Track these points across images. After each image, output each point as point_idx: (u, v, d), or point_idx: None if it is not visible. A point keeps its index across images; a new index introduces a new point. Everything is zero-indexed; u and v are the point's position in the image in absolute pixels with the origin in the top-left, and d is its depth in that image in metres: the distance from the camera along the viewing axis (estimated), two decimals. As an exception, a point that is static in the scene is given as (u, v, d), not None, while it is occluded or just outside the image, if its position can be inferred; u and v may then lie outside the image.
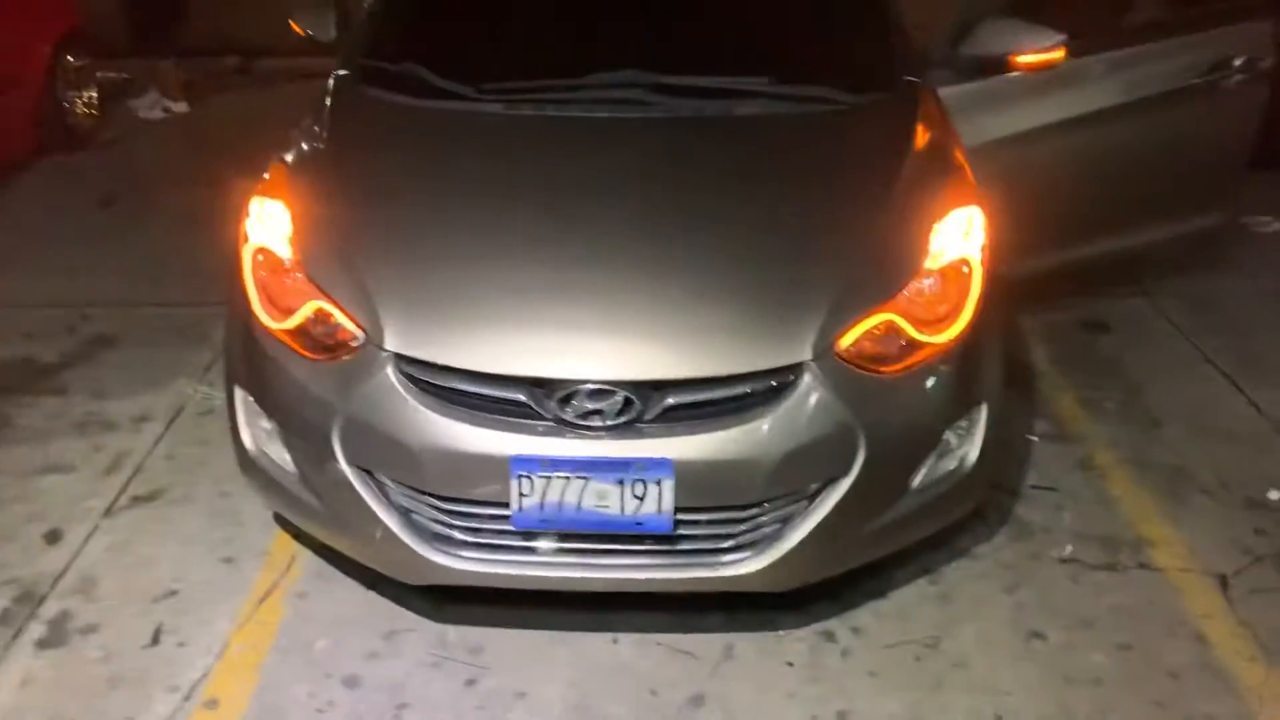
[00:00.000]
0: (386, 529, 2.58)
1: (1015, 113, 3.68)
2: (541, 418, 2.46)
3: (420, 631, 2.84)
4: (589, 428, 2.45)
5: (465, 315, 2.53)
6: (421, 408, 2.48)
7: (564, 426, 2.45)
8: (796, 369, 2.48)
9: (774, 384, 2.48)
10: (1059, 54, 3.31)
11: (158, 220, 5.29)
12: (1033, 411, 3.77)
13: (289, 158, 3.06)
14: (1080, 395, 3.88)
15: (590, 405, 2.44)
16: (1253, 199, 4.99)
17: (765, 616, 2.87)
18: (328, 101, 3.25)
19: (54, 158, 5.96)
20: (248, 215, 2.85)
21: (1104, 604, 2.93)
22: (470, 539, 2.58)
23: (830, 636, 2.83)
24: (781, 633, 2.84)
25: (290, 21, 3.64)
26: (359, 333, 2.56)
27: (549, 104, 3.13)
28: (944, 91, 3.40)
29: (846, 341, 2.53)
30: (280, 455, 2.76)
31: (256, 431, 2.82)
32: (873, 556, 2.80)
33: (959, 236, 2.72)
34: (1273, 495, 3.34)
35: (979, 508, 3.08)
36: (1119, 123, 3.79)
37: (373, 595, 2.95)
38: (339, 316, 2.59)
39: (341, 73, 3.33)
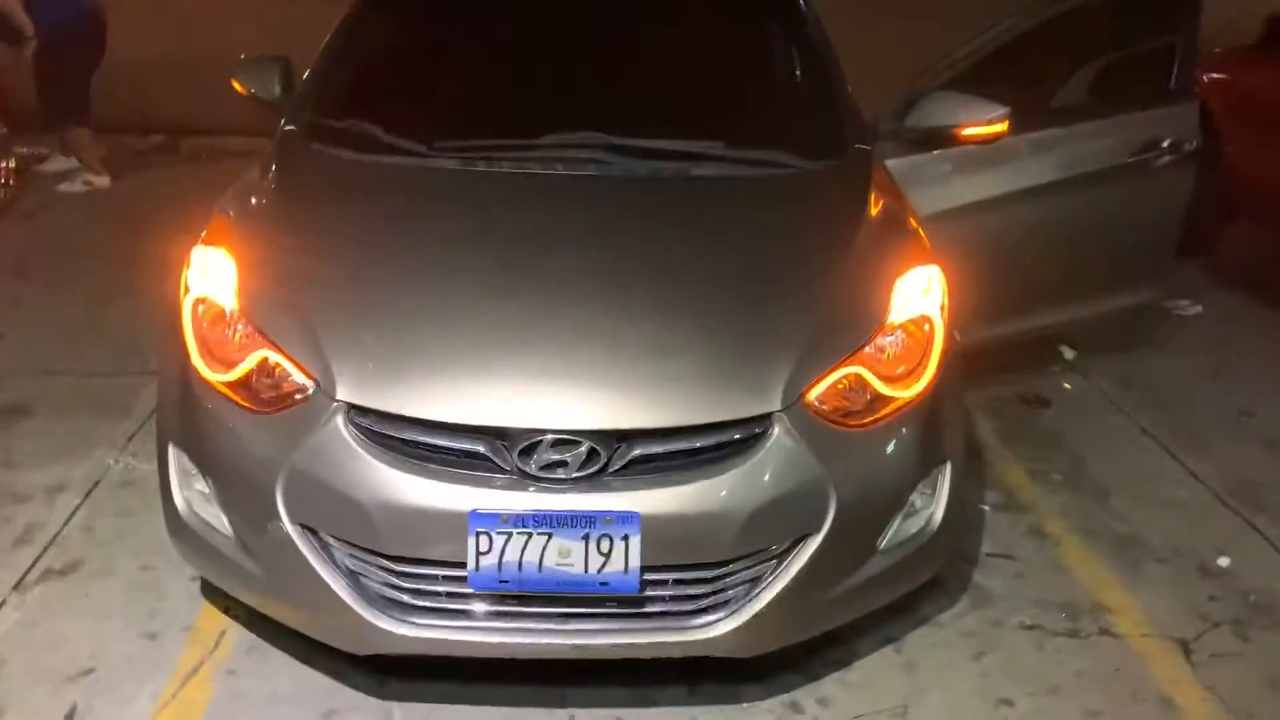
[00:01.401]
0: (331, 593, 2.41)
1: (951, 187, 3.76)
2: (502, 470, 2.35)
3: (362, 711, 2.65)
4: (552, 480, 2.34)
5: (421, 363, 2.43)
6: (374, 461, 2.35)
7: (525, 479, 2.34)
8: (766, 420, 2.42)
9: (744, 435, 2.41)
10: (1003, 126, 3.38)
11: (76, 291, 5.07)
12: (983, 482, 3.76)
13: (232, 209, 2.95)
14: (1027, 467, 3.89)
15: (553, 456, 2.34)
16: (1173, 283, 5.15)
17: (728, 688, 2.75)
18: (273, 155, 3.16)
19: (-35, 229, 5.73)
20: (188, 265, 2.73)
21: (1069, 670, 2.88)
22: (422, 604, 2.43)
23: (796, 708, 2.71)
24: (745, 705, 2.71)
25: (232, 80, 3.54)
26: (308, 383, 2.43)
27: (503, 161, 3.08)
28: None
29: (815, 393, 2.48)
30: (215, 517, 2.59)
31: (190, 493, 2.65)
32: (841, 621, 2.71)
33: (919, 293, 2.72)
34: (1222, 562, 3.35)
35: (938, 575, 3.02)
36: (1053, 199, 3.90)
37: (309, 671, 2.76)
38: (286, 366, 2.46)
39: (288, 128, 3.25)
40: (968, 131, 3.42)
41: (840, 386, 2.53)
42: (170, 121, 7.65)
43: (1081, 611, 3.11)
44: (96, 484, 3.54)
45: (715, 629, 2.44)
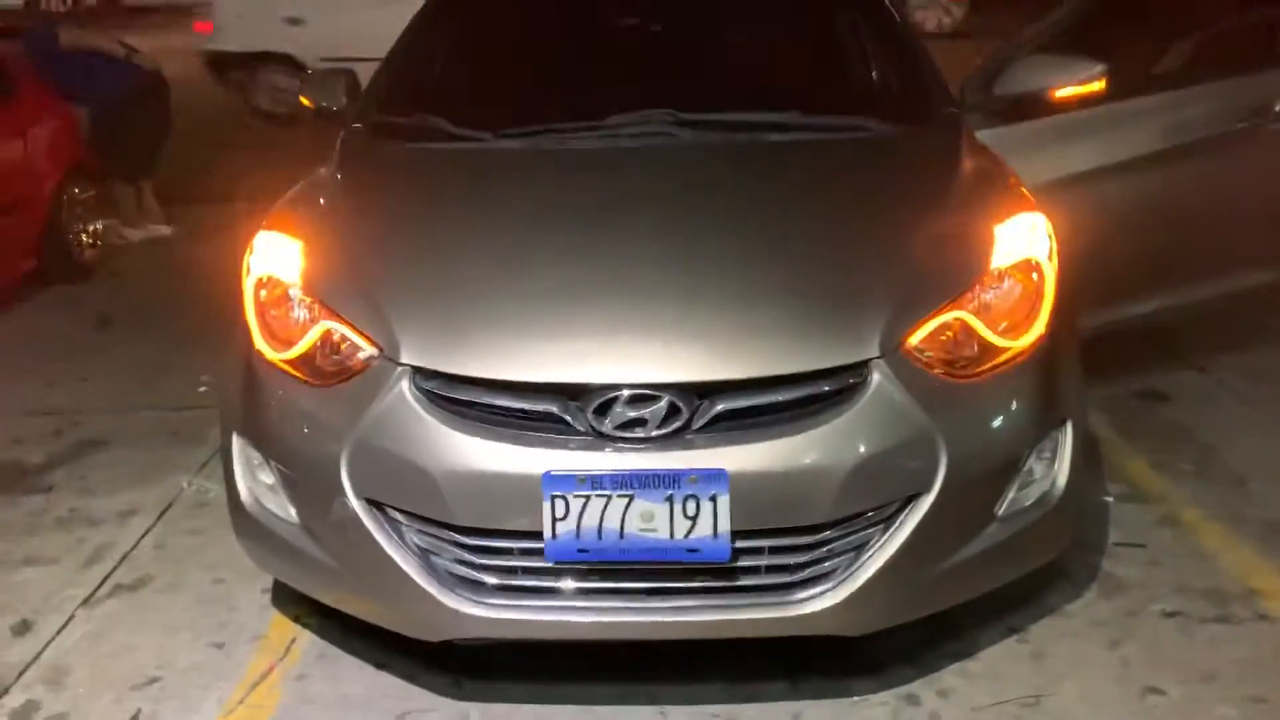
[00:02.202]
0: (400, 574, 2.24)
1: (1044, 160, 3.51)
2: (576, 431, 2.17)
3: (439, 712, 2.46)
4: (631, 439, 2.15)
5: (486, 322, 2.28)
6: (440, 426, 2.19)
7: (602, 440, 2.16)
8: (863, 368, 2.21)
9: (840, 385, 2.20)
10: (1100, 84, 3.16)
11: (154, 338, 5.08)
12: (1103, 474, 3.45)
13: (295, 198, 2.87)
14: (1151, 459, 3.57)
15: (631, 413, 2.15)
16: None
17: (835, 682, 2.50)
18: (336, 152, 3.08)
19: (55, 288, 5.82)
20: (250, 251, 2.63)
21: (1224, 657, 2.56)
22: (497, 581, 2.24)
23: (913, 700, 2.44)
24: (856, 699, 2.45)
25: (300, 97, 3.51)
26: (372, 349, 2.29)
27: (570, 140, 2.96)
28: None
29: (916, 340, 2.26)
30: (281, 506, 2.45)
31: (254, 484, 2.52)
32: (957, 599, 2.44)
33: (1024, 239, 2.50)
34: (1384, 543, 2.99)
35: (1061, 560, 2.74)
36: (1158, 171, 3.63)
37: (382, 675, 2.58)
38: (349, 335, 2.33)
39: (354, 126, 3.18)
40: (1062, 93, 3.20)
41: (945, 334, 2.31)
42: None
43: (1232, 597, 2.79)
44: (169, 506, 3.45)
45: (818, 603, 2.20)
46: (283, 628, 2.79)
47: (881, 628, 2.31)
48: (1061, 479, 2.47)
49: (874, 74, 3.38)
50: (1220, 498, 3.30)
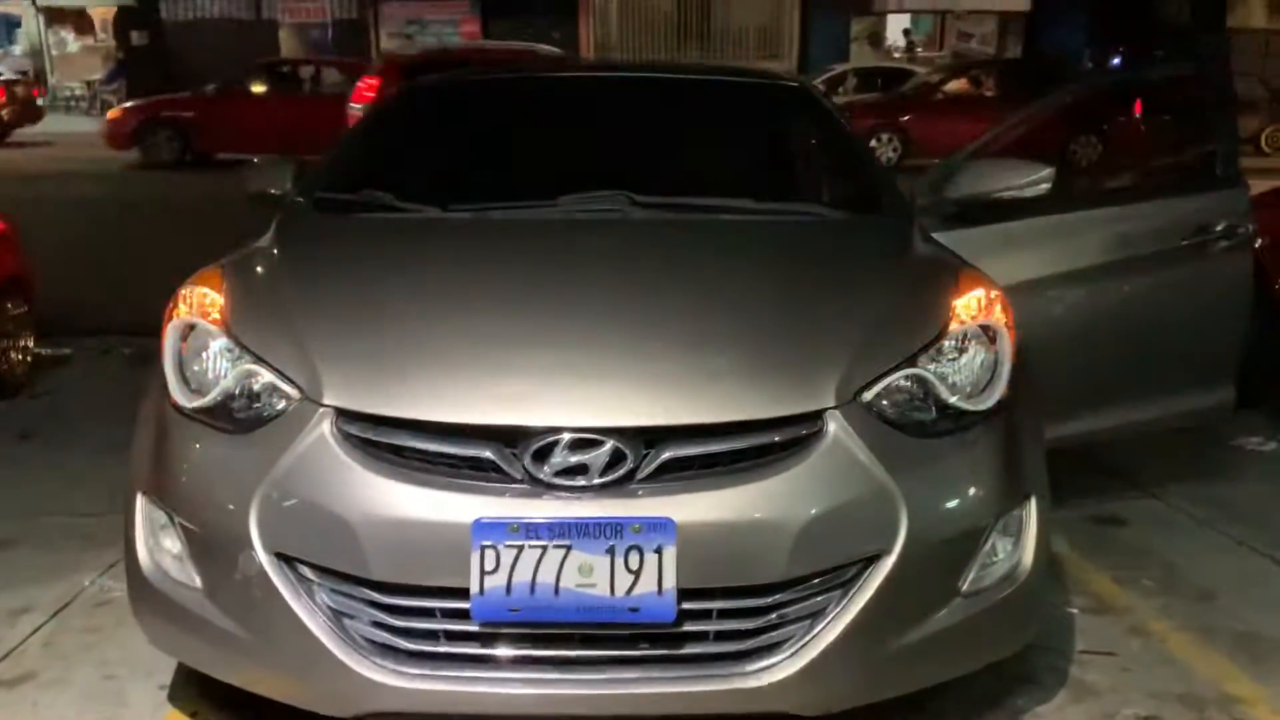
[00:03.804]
0: (310, 639, 2.02)
1: (995, 264, 3.50)
2: (511, 479, 2.01)
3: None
4: (571, 487, 1.99)
5: (416, 363, 2.14)
6: (362, 470, 2.03)
7: (539, 487, 2.00)
8: (818, 418, 2.09)
9: (794, 434, 2.07)
10: (1048, 186, 3.18)
11: (78, 451, 4.81)
12: (1066, 588, 3.30)
13: (225, 261, 2.74)
14: (1113, 575, 3.43)
15: (572, 459, 2.00)
16: (1240, 423, 4.81)
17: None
18: (275, 221, 2.98)
19: (-24, 404, 5.55)
20: (174, 302, 2.49)
21: (1205, 760, 2.37)
22: (417, 648, 2.02)
23: (875, 799, 2.21)
24: (811, 798, 2.21)
25: (242, 184, 3.42)
26: (292, 391, 2.14)
27: (520, 214, 2.90)
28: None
29: (873, 393, 2.16)
30: (183, 573, 2.23)
31: (156, 549, 2.31)
32: (920, 683, 2.26)
33: (980, 308, 2.43)
34: (1360, 654, 2.85)
35: (1026, 666, 2.59)
36: (1101, 283, 3.63)
37: (289, 777, 2.30)
38: (270, 378, 2.18)
39: (295, 200, 3.09)
40: (1011, 194, 3.22)
41: (902, 392, 2.21)
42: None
43: (1207, 702, 2.63)
44: (67, 605, 3.17)
45: (771, 675, 2.01)
46: (178, 725, 2.51)
47: (839, 708, 2.11)
48: (1027, 558, 2.33)
49: (824, 171, 3.40)
50: (1188, 610, 3.16)
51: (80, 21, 26.67)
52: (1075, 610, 3.15)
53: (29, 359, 5.90)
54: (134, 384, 2.55)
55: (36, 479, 4.38)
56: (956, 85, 16.83)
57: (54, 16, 26.23)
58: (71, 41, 26.53)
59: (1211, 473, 4.44)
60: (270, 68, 16.84)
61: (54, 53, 26.06)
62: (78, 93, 24.86)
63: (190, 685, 2.63)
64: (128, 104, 16.60)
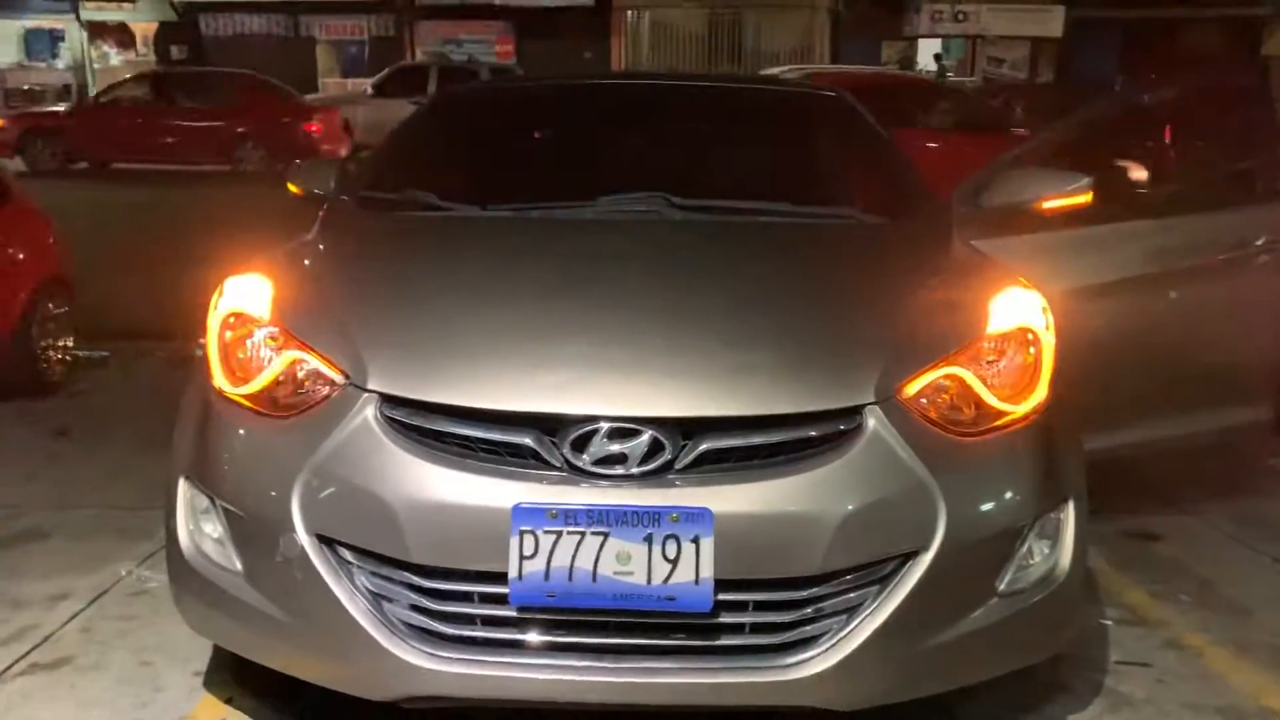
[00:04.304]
0: (349, 621, 2.04)
1: (1032, 274, 3.50)
2: (550, 466, 2.02)
3: (380, 799, 2.19)
4: (609, 476, 2.00)
5: (460, 351, 2.16)
6: (405, 454, 2.05)
7: (578, 475, 2.01)
8: (858, 413, 2.09)
9: (833, 429, 2.07)
10: (1087, 196, 3.17)
11: (113, 448, 4.87)
12: (1100, 600, 3.27)
13: (270, 254, 2.78)
14: (1149, 589, 3.40)
15: (611, 448, 2.01)
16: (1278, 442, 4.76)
17: (821, 780, 2.24)
18: (319, 218, 3.03)
19: (16, 402, 5.62)
20: (220, 293, 2.52)
21: (1244, 770, 2.34)
22: (455, 632, 2.03)
23: (907, 800, 2.20)
24: (843, 797, 2.20)
25: (288, 184, 3.48)
26: (337, 376, 2.16)
27: (559, 213, 2.92)
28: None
29: (914, 389, 2.16)
30: (224, 556, 2.25)
31: (198, 533, 2.33)
32: (955, 682, 2.25)
33: (1020, 310, 2.42)
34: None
35: (1065, 678, 2.56)
36: (1140, 295, 3.61)
37: (319, 757, 2.32)
38: (315, 364, 2.20)
39: (339, 199, 3.13)
40: (1049, 204, 3.21)
41: (942, 390, 2.21)
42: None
43: (1247, 714, 2.61)
44: (104, 593, 3.20)
45: (806, 669, 2.01)
46: (212, 709, 2.54)
47: (874, 704, 2.10)
48: (1065, 561, 2.32)
49: (862, 179, 3.41)
50: (1224, 625, 3.13)
51: (122, 36, 27.12)
52: (1110, 622, 3.12)
53: (68, 358, 5.98)
54: (169, 386, 2.59)
55: (72, 473, 4.44)
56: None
57: (97, 31, 26.69)
58: (114, 56, 26.96)
59: (1247, 491, 4.39)
60: (147, 79, 17.56)
61: (96, 66, 26.48)
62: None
63: (225, 671, 2.66)
64: (10, 114, 17.50)
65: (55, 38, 26.73)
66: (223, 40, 25.14)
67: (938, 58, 25.44)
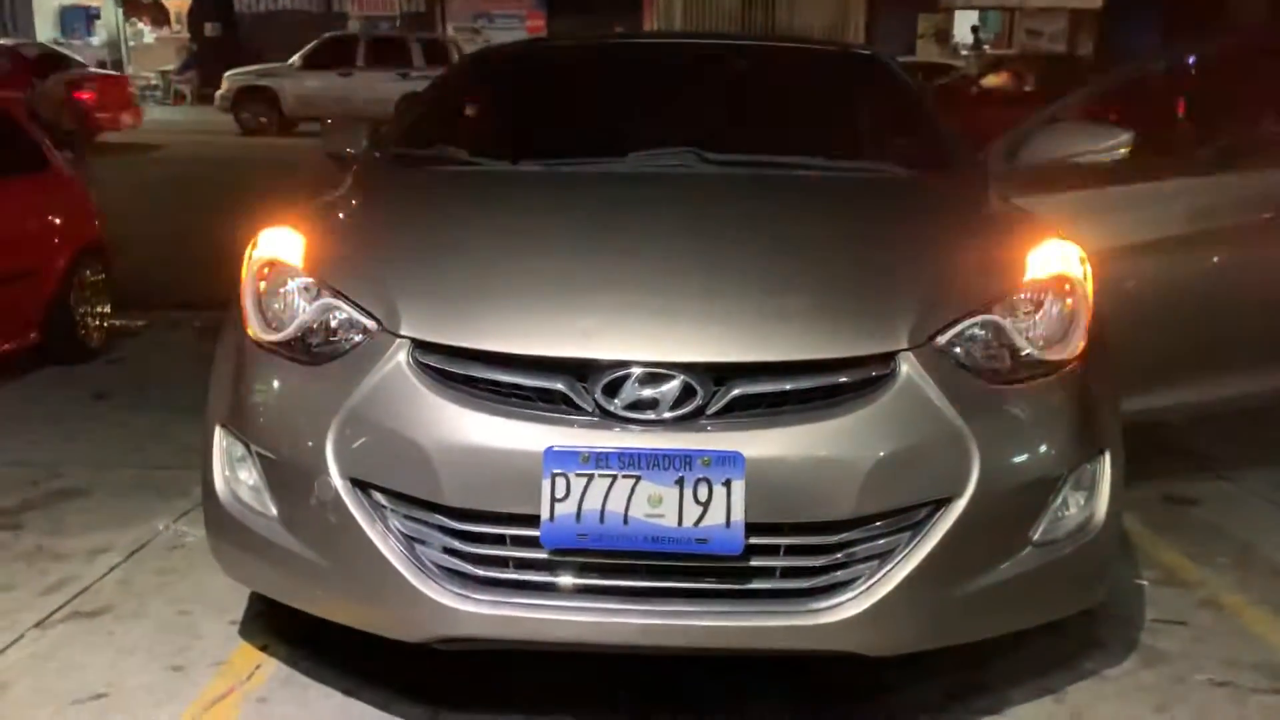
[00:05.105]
0: (383, 564, 2.05)
1: (1070, 232, 3.46)
2: (582, 411, 2.02)
3: (409, 740, 2.22)
4: (641, 420, 2.00)
5: (492, 296, 2.17)
6: (438, 399, 2.05)
7: (610, 420, 2.01)
8: (891, 359, 2.08)
9: (865, 375, 2.06)
10: (1126, 150, 3.12)
11: (150, 412, 4.93)
12: (1136, 561, 3.24)
13: (303, 208, 2.79)
14: (1186, 550, 3.36)
15: (642, 393, 2.01)
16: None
17: (852, 729, 2.25)
18: (351, 174, 3.04)
19: (56, 367, 5.70)
20: (254, 244, 2.54)
21: (1282, 724, 2.32)
22: (488, 574, 2.04)
23: (940, 751, 2.19)
24: (875, 747, 2.21)
25: (323, 149, 3.49)
26: (370, 323, 2.17)
27: (591, 166, 2.92)
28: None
29: (947, 337, 2.14)
30: (259, 501, 2.28)
31: (233, 480, 2.35)
32: (987, 631, 2.24)
33: (1057, 260, 2.39)
34: None
35: (1100, 634, 2.54)
36: (1178, 256, 3.54)
37: (352, 702, 2.37)
38: (349, 311, 2.21)
39: (371, 155, 3.14)
40: (1088, 159, 3.16)
41: (977, 338, 2.18)
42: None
43: (1285, 671, 2.56)
44: (142, 547, 3.25)
45: (837, 614, 2.00)
46: (248, 655, 2.57)
47: (905, 651, 2.09)
48: (1100, 512, 2.29)
49: (897, 135, 3.37)
50: (1263, 586, 3.09)
51: (157, 13, 27.33)
52: (1146, 582, 3.09)
53: (106, 325, 6.06)
54: (203, 354, 2.63)
55: (110, 435, 4.50)
56: (995, 79, 16.25)
57: (131, 8, 26.91)
58: (148, 33, 27.18)
59: (1289, 453, 4.32)
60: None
61: (130, 44, 26.71)
62: (153, 83, 25.45)
63: (260, 620, 2.69)
64: None
65: (91, 15, 26.96)
66: (256, 17, 25.27)
67: (975, 30, 25.12)
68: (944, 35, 25.04)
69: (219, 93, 18.84)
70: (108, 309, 6.07)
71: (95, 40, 26.79)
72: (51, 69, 15.62)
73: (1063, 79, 13.95)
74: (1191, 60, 3.69)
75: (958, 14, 25.12)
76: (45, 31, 26.12)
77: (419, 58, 18.61)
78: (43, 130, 5.96)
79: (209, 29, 25.13)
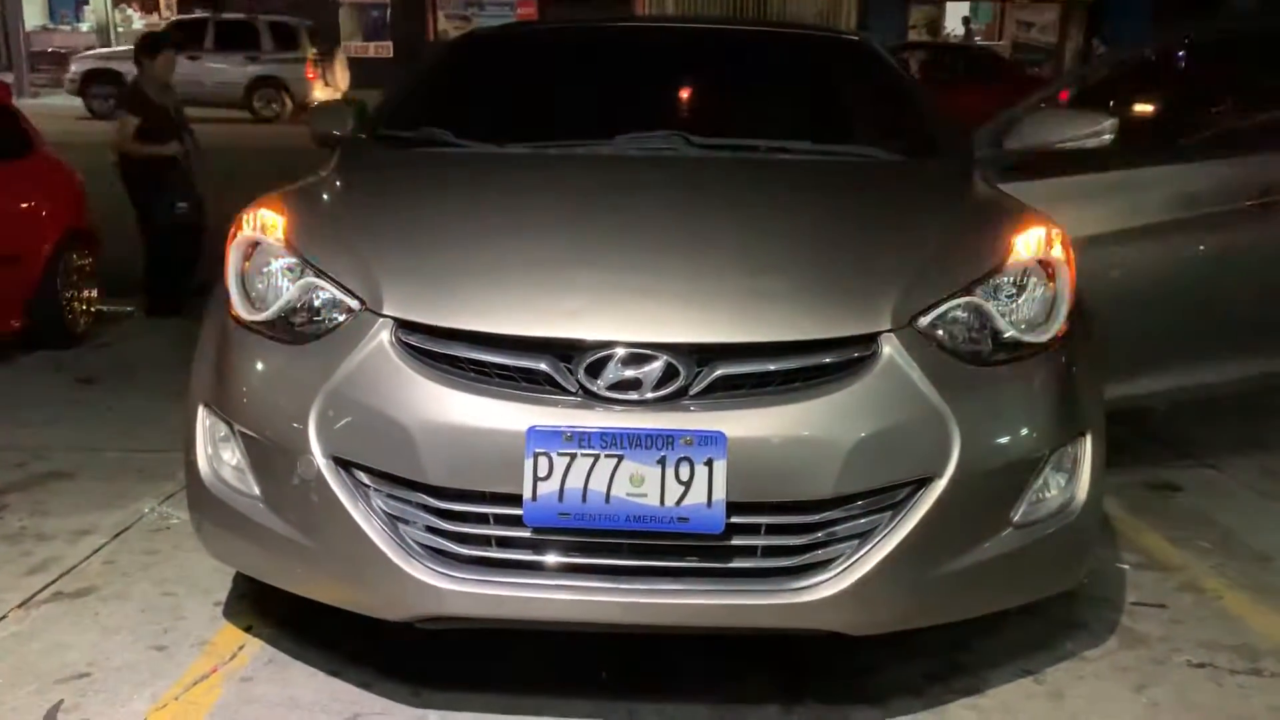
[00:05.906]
0: (365, 543, 2.06)
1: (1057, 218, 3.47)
2: (565, 391, 2.03)
3: (393, 716, 2.22)
4: (623, 401, 2.01)
5: (476, 276, 2.17)
6: (420, 379, 2.06)
7: (592, 400, 2.01)
8: (873, 340, 2.08)
9: (847, 356, 2.07)
10: (1110, 137, 3.13)
11: (136, 396, 4.92)
12: (1117, 545, 3.26)
13: (287, 188, 2.78)
14: (1168, 535, 3.38)
15: (625, 373, 2.01)
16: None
17: (834, 709, 2.28)
18: (336, 154, 3.03)
19: (41, 352, 5.68)
20: (238, 225, 2.53)
21: (1259, 705, 2.36)
22: (470, 552, 2.05)
23: (920, 729, 2.21)
24: (857, 727, 2.22)
25: (309, 127, 3.47)
26: (352, 303, 2.17)
27: (576, 149, 2.91)
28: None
29: (929, 319, 2.15)
30: (242, 481, 2.28)
31: (216, 460, 2.35)
32: (967, 611, 2.25)
33: (1040, 243, 2.40)
34: None
35: (1080, 615, 2.56)
36: (1161, 242, 3.56)
37: (335, 681, 2.37)
38: (332, 290, 2.21)
39: (356, 136, 3.13)
40: (1073, 146, 3.17)
41: (959, 320, 2.19)
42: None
43: (1262, 653, 2.59)
44: (127, 528, 3.24)
45: (817, 592, 2.01)
46: (232, 636, 2.57)
47: (886, 630, 2.11)
48: (1081, 494, 2.31)
49: (884, 119, 3.38)
50: (1244, 571, 3.11)
51: (146, -1, 27.18)
52: (1127, 566, 3.11)
53: (93, 310, 6.03)
54: (190, 340, 2.63)
55: (96, 418, 4.48)
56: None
57: (120, -7, 26.77)
58: (137, 19, 27.00)
59: (1271, 445, 4.34)
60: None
61: (119, 29, 26.53)
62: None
63: (244, 601, 2.70)
64: None
65: (80, 1, 26.80)
66: (245, 4, 25.09)
67: (966, 21, 25.13)
68: (935, 26, 25.04)
69: (67, 75, 18.50)
70: (94, 294, 6.04)
71: (84, 26, 26.64)
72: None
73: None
74: (1177, 49, 3.70)
75: (949, 6, 25.11)
76: (34, 16, 25.96)
77: (268, 41, 18.50)
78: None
79: (200, 14, 24.98)
